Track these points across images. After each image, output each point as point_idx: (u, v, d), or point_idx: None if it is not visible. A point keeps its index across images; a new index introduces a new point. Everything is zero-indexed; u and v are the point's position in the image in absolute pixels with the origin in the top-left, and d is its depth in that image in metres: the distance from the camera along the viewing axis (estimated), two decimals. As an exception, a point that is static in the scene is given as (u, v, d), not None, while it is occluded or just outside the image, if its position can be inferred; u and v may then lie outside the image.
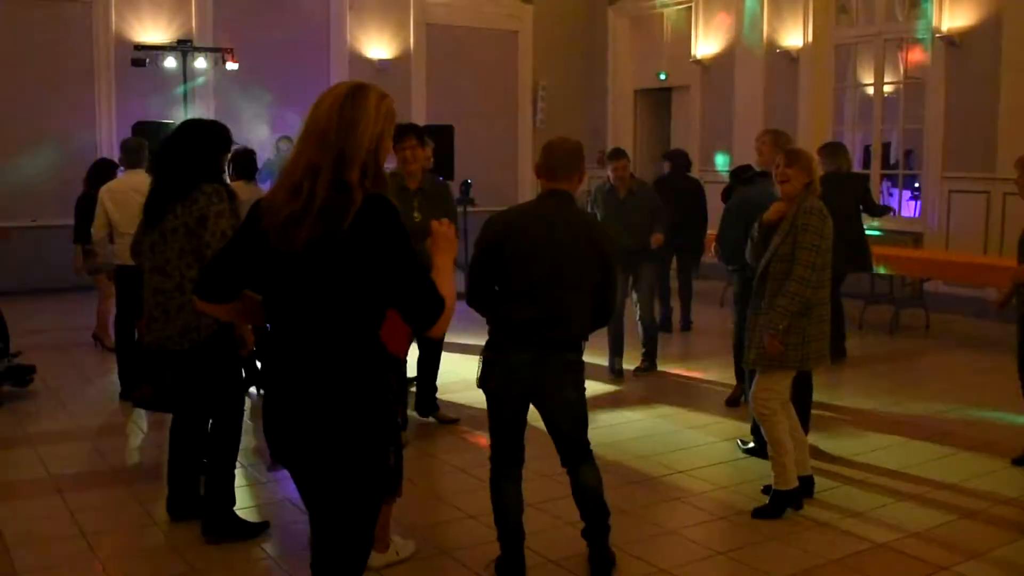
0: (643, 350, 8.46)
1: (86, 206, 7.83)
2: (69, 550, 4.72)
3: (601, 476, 4.44)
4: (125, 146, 7.44)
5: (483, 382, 4.30)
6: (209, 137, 4.80)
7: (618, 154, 8.34)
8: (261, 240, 2.80)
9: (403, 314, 2.82)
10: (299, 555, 4.63)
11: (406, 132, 6.31)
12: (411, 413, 6.61)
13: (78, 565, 4.57)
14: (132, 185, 7.04)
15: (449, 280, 2.87)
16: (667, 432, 6.77)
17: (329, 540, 2.93)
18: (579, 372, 4.32)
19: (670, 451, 6.28)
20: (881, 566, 4.62)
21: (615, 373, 8.22)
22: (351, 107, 2.77)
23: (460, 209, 9.45)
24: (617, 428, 6.74)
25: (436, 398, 6.96)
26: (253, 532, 4.87)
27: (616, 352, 8.23)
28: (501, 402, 4.30)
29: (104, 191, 7.19)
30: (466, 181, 12.56)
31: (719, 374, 8.13)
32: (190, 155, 4.70)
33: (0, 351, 7.39)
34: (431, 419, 6.89)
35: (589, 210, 8.05)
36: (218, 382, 4.78)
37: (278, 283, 2.83)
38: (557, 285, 4.15)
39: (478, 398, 4.45)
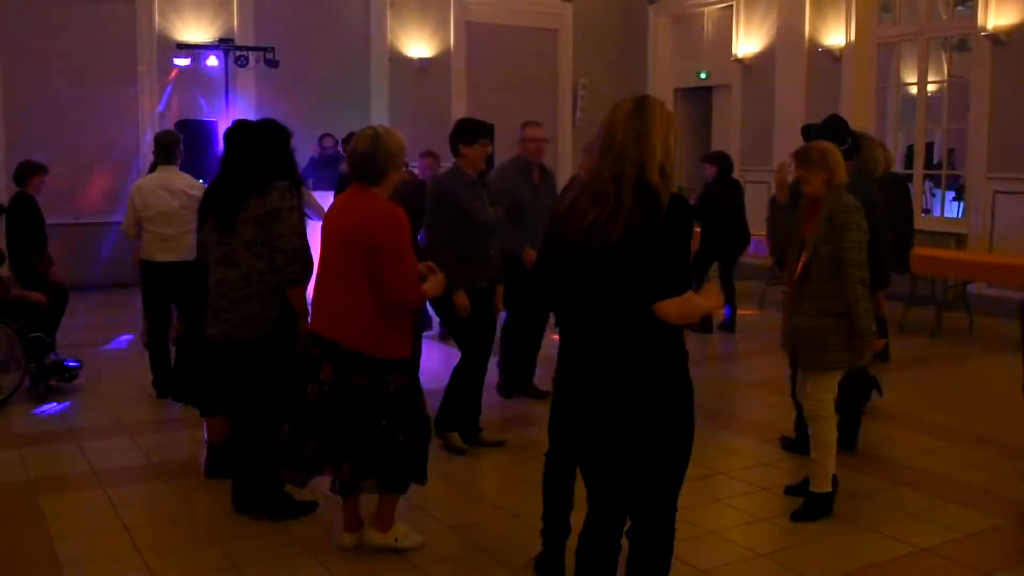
0: None
1: None
2: (111, 543, 4.78)
3: None
4: (159, 142, 7.23)
5: None
6: (278, 137, 4.98)
7: None
8: (563, 244, 3.20)
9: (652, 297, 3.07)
10: (337, 549, 4.66)
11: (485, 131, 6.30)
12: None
13: (120, 558, 4.62)
14: (161, 183, 7.06)
15: (693, 308, 3.15)
16: (707, 433, 6.70)
17: (646, 517, 3.39)
18: None
19: (710, 452, 6.24)
20: (923, 571, 4.57)
21: None
22: (640, 120, 3.11)
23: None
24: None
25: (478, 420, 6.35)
26: (303, 510, 5.02)
27: None
28: None
29: (134, 188, 7.22)
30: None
31: (760, 374, 8.08)
32: (264, 153, 4.87)
33: (46, 346, 7.47)
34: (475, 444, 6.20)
35: None
36: (280, 373, 4.85)
37: (584, 277, 3.15)
38: None
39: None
